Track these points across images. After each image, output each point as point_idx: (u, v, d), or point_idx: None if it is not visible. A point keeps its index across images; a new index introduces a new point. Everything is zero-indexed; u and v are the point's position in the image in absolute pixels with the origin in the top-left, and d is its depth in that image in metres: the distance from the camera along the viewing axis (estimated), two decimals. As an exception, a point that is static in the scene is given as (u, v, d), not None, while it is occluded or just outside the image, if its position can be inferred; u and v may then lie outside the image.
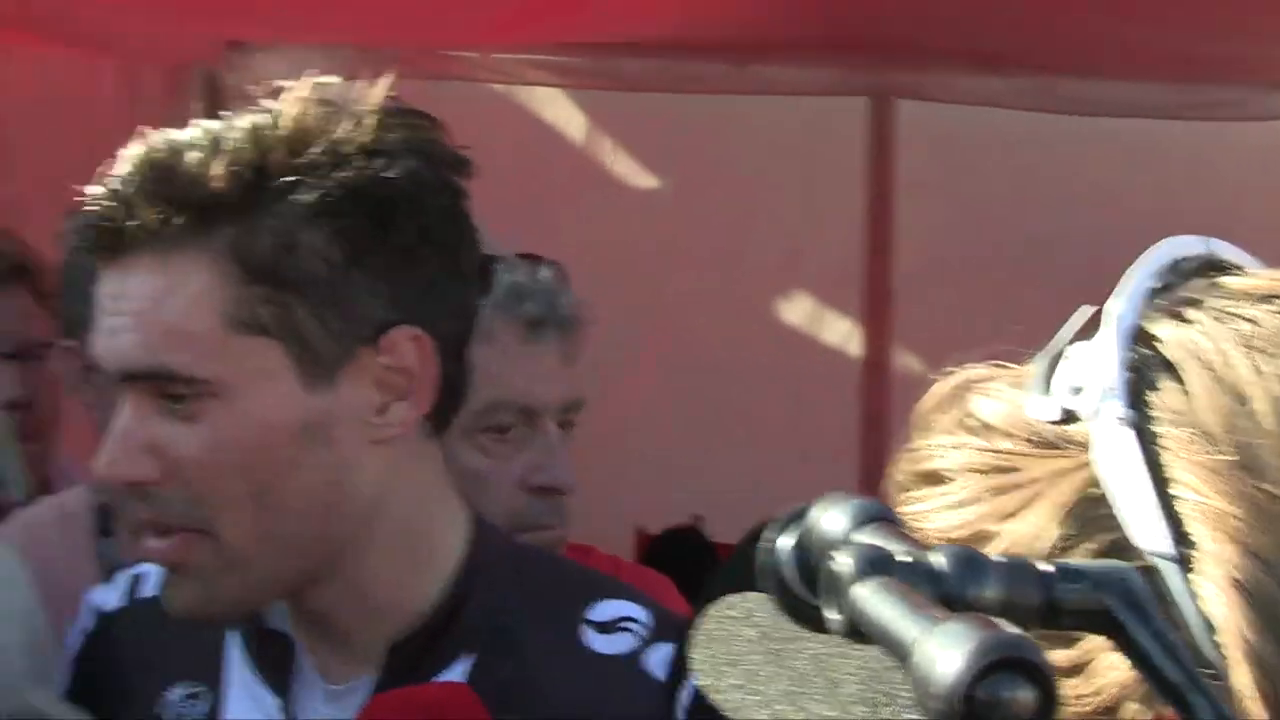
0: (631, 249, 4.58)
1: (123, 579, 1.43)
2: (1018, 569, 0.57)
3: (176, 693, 1.32)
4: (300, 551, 1.19)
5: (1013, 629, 0.49)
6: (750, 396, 4.50)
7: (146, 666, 1.35)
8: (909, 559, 0.56)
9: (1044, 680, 0.48)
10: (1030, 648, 0.49)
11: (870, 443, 4.10)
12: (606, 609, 1.28)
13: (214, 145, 1.14)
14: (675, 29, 4.00)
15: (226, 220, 1.13)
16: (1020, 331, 0.87)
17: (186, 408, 1.15)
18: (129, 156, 1.16)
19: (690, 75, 4.21)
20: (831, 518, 0.65)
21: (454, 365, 1.23)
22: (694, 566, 2.78)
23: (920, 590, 0.55)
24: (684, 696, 1.23)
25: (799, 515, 0.68)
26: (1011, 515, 0.78)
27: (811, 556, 0.66)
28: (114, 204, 1.15)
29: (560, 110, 4.33)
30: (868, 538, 0.62)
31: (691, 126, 4.38)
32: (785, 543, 0.67)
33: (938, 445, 0.86)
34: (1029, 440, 0.78)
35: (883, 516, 0.64)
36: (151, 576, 1.38)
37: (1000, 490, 0.79)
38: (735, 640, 0.75)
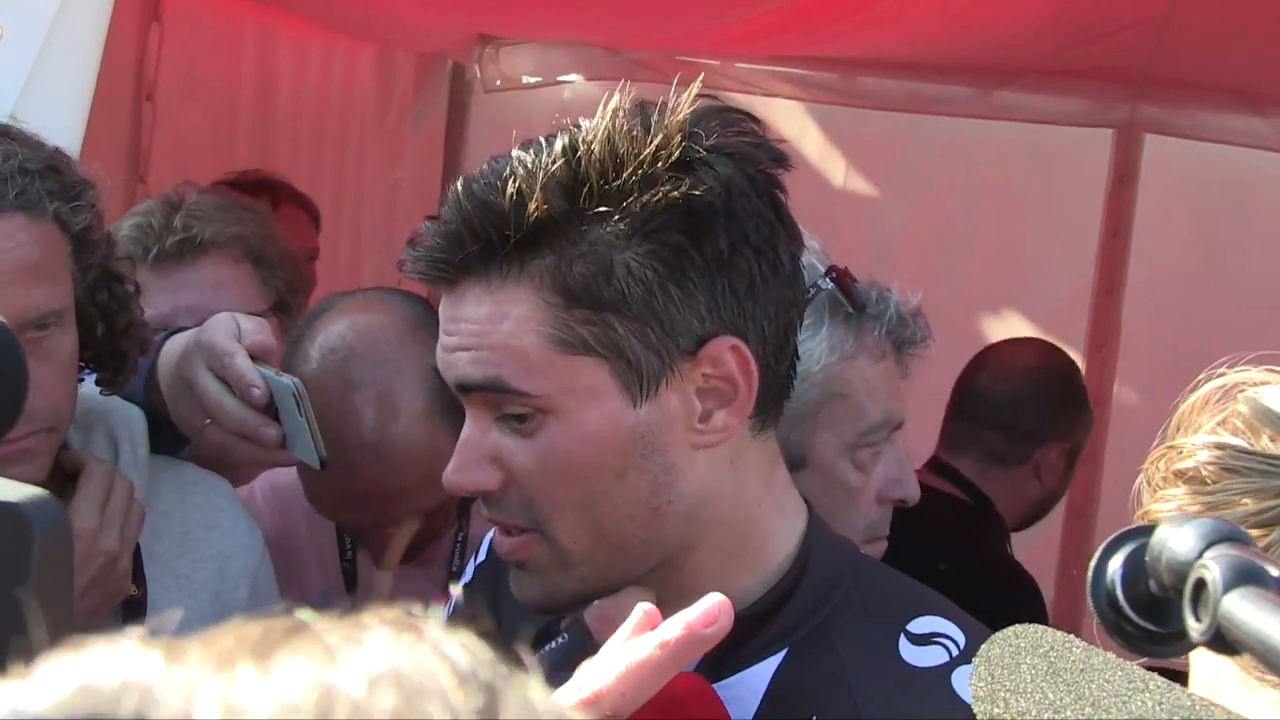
0: (856, 267, 4.53)
1: None
2: (1398, 594, 0.56)
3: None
4: (630, 551, 1.25)
5: None
6: (964, 425, 4.43)
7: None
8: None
9: None
10: None
11: (1082, 480, 4.00)
12: (926, 623, 1.28)
13: (529, 176, 1.17)
14: (920, 50, 3.97)
15: (543, 248, 1.17)
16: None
17: (526, 425, 1.22)
18: (453, 191, 1.21)
19: (932, 97, 4.18)
20: (1181, 536, 0.64)
21: (779, 360, 1.24)
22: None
23: (1296, 605, 0.54)
24: None
25: (1128, 537, 0.68)
26: (1270, 523, 0.76)
27: (1150, 576, 0.65)
28: (441, 240, 1.20)
29: (797, 123, 4.33)
30: (1222, 554, 0.61)
31: (929, 148, 4.34)
32: (1115, 564, 0.67)
33: (1199, 445, 0.84)
34: None
35: (1234, 536, 0.64)
36: None
37: (1260, 494, 0.77)
38: (1020, 669, 0.74)
